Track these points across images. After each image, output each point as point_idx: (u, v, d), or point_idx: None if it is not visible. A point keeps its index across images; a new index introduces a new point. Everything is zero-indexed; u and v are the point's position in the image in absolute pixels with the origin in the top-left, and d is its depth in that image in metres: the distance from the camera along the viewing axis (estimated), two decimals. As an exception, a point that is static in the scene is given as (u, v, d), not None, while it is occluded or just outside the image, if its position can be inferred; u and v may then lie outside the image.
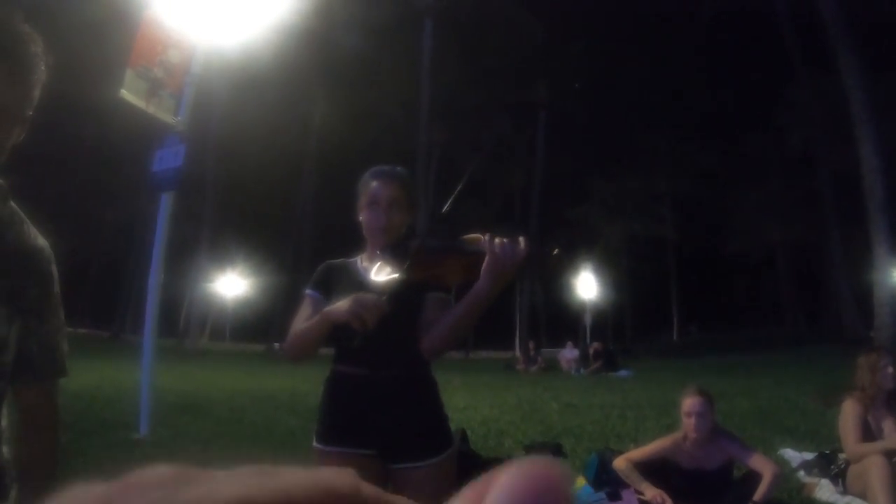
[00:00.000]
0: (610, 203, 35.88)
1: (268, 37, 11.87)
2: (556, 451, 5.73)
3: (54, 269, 1.37)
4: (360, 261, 2.23)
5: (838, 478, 4.53)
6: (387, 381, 2.03)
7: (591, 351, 19.79)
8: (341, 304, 1.86)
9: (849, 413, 4.35)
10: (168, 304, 11.21)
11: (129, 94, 5.97)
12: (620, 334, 40.63)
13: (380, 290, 1.92)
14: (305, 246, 33.20)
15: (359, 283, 2.10)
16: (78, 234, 29.87)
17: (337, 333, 1.99)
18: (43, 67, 1.25)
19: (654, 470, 4.24)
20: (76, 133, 28.67)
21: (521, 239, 1.76)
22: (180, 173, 6.31)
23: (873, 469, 4.01)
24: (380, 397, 2.02)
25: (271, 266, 37.32)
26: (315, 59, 28.33)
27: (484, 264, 1.76)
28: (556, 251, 1.77)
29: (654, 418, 7.86)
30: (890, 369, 4.31)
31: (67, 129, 27.36)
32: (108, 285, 36.53)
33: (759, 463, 4.05)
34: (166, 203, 6.49)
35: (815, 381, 10.70)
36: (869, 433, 4.27)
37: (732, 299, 45.58)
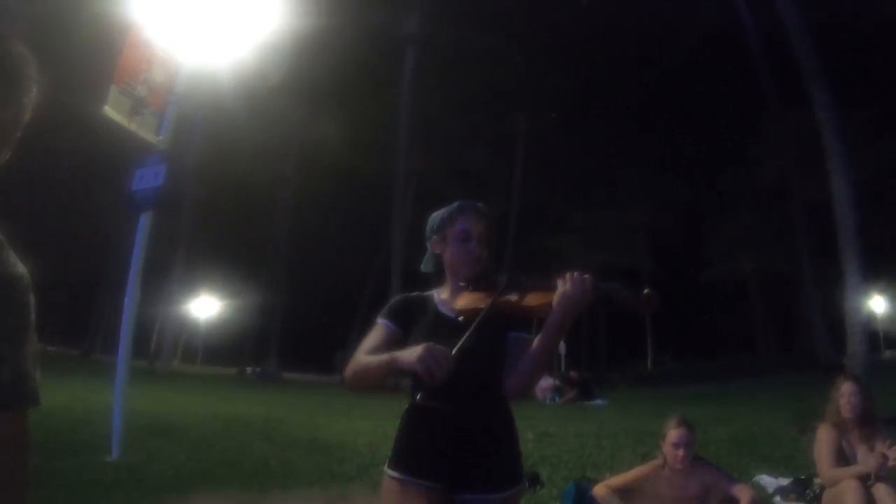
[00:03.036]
0: (585, 233, 36.13)
1: (251, 58, 11.88)
2: (534, 479, 5.71)
3: (31, 297, 1.34)
4: (438, 294, 2.22)
5: (814, 503, 4.56)
6: (463, 416, 2.02)
7: (571, 375, 19.76)
8: (412, 353, 1.83)
9: (823, 439, 4.39)
10: (140, 325, 11.02)
11: (113, 111, 5.95)
12: (595, 362, 40.67)
13: (462, 317, 1.99)
14: (281, 269, 32.97)
15: (437, 316, 2.13)
16: (51, 249, 29.44)
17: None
18: (35, 89, 1.24)
19: (634, 497, 4.25)
20: (53, 149, 28.35)
21: (587, 276, 1.85)
22: (161, 193, 6.27)
23: (848, 493, 4.04)
24: (455, 430, 2.02)
25: (246, 288, 37.00)
26: (297, 82, 28.35)
27: (553, 299, 1.85)
28: (646, 291, 1.80)
29: (631, 447, 7.87)
30: (847, 398, 4.38)
31: (44, 144, 27.08)
32: (79, 303, 35.97)
33: (737, 490, 4.08)
34: (144, 223, 6.44)
35: (789, 408, 10.80)
36: (843, 459, 4.31)
37: (706, 328, 45.86)
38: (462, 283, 2.08)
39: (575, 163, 36.18)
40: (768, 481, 5.55)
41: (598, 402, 17.06)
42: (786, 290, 34.96)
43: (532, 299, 1.95)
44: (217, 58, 7.90)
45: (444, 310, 2.14)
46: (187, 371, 30.21)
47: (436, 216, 2.25)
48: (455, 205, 2.24)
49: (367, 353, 2.05)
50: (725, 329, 44.50)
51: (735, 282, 37.62)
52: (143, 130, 6.22)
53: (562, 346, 32.42)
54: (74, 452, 6.01)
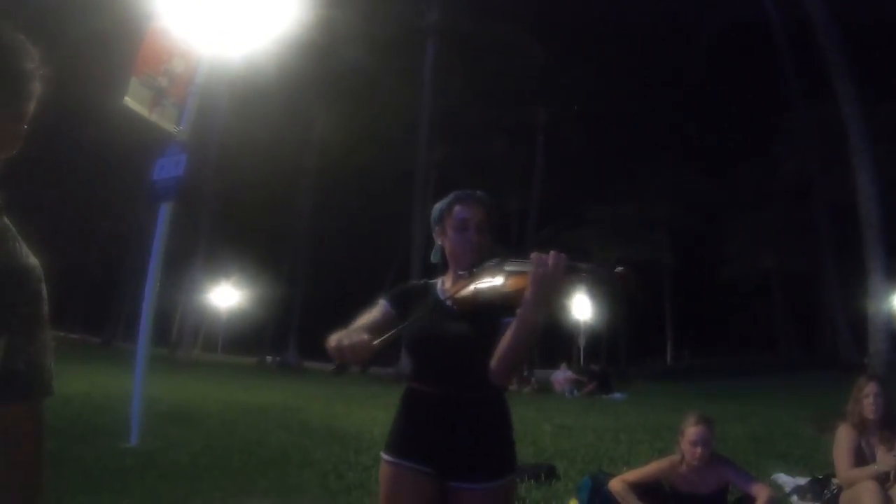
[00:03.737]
0: (606, 227, 35.96)
1: (271, 50, 11.92)
2: (550, 472, 5.70)
3: (44, 288, 1.34)
4: (442, 283, 2.26)
5: (831, 503, 4.51)
6: (460, 402, 2.05)
7: (591, 368, 19.74)
8: (336, 335, 1.86)
9: (842, 439, 4.34)
10: (161, 314, 11.13)
11: (133, 101, 6.00)
12: (614, 357, 40.55)
13: (452, 303, 2.01)
14: (301, 259, 33.14)
15: (438, 304, 2.14)
16: (73, 239, 29.81)
17: (411, 352, 2.10)
18: (37, 82, 1.23)
19: (649, 493, 4.23)
20: (75, 140, 28.66)
21: (560, 255, 1.81)
22: (181, 183, 6.31)
23: (866, 494, 3.99)
24: (447, 416, 2.05)
25: (266, 279, 37.25)
26: (317, 73, 28.43)
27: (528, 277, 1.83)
28: (619, 269, 1.76)
29: (648, 442, 7.83)
30: (872, 398, 4.32)
31: (66, 135, 27.38)
32: (101, 292, 36.40)
33: (754, 488, 4.05)
34: (165, 212, 6.49)
35: (809, 406, 10.69)
36: (862, 459, 4.26)
37: (727, 325, 45.58)
38: (461, 272, 2.09)
39: (596, 156, 35.99)
40: (786, 480, 5.50)
41: (617, 396, 17.02)
42: (808, 288, 34.65)
43: (511, 284, 1.92)
44: (237, 49, 7.93)
45: (443, 298, 2.15)
46: (207, 360, 30.51)
47: (437, 206, 2.27)
48: (453, 194, 2.25)
49: (352, 325, 2.05)
50: (746, 326, 44.17)
51: (756, 279, 37.27)
52: (164, 121, 6.27)
53: (581, 339, 32.39)
54: (94, 438, 6.09)
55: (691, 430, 4.10)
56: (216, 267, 35.71)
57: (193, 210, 27.06)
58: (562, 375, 20.05)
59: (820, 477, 4.95)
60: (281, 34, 8.97)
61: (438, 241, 2.24)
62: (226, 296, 39.24)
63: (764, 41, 28.83)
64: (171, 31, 6.37)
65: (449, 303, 2.09)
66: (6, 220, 1.31)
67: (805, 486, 5.06)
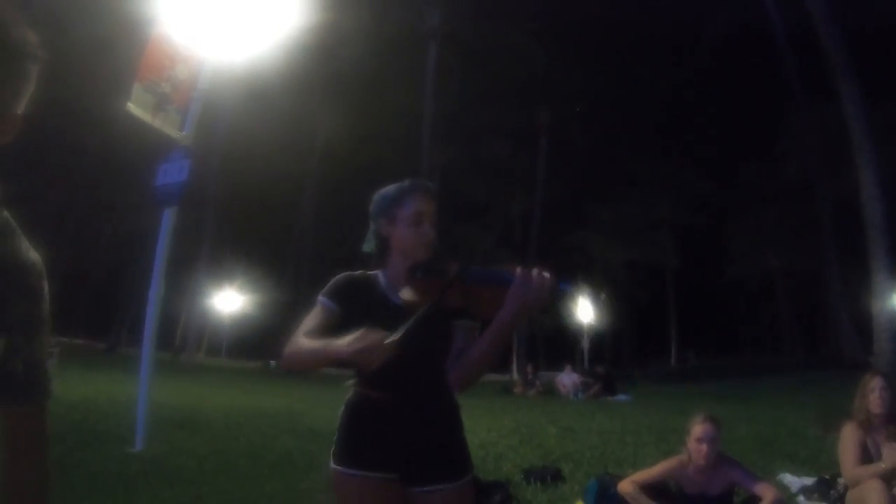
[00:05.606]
0: (609, 229, 35.95)
1: (274, 54, 11.93)
2: (556, 475, 5.69)
3: (45, 285, 1.29)
4: (384, 276, 2.13)
5: (837, 503, 4.50)
6: (411, 406, 1.99)
7: (597, 370, 19.73)
8: (345, 340, 1.75)
9: (848, 438, 4.32)
10: (165, 319, 11.13)
11: (136, 107, 6.01)
12: (618, 359, 40.50)
13: (409, 309, 1.86)
14: (305, 263, 33.17)
15: (383, 299, 2.05)
16: (77, 244, 29.88)
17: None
18: (33, 61, 1.18)
19: (658, 494, 4.23)
20: (79, 144, 28.78)
21: (546, 275, 1.76)
22: (184, 188, 6.32)
23: (872, 494, 3.98)
24: (403, 421, 1.98)
25: (270, 283, 37.25)
26: (320, 77, 28.49)
27: (507, 297, 1.77)
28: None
29: (654, 444, 7.81)
30: (878, 392, 4.30)
31: (70, 139, 27.48)
32: (105, 297, 36.43)
33: (760, 488, 4.05)
34: (168, 217, 6.50)
35: (814, 406, 10.65)
36: (868, 458, 4.24)
37: (731, 325, 45.52)
38: (413, 270, 1.95)
39: (598, 157, 36.02)
40: (792, 480, 5.49)
41: (622, 397, 16.99)
42: (812, 287, 34.59)
43: (483, 296, 1.84)
44: (240, 53, 7.94)
45: (390, 294, 2.06)
46: (212, 364, 30.51)
47: (383, 196, 2.14)
48: (405, 183, 2.13)
49: (305, 333, 1.96)
50: (750, 326, 44.11)
51: (760, 279, 37.26)
52: (167, 126, 6.28)
53: (585, 342, 32.35)
54: (98, 443, 6.09)
55: (698, 428, 4.11)
56: (220, 271, 35.77)
57: (197, 215, 27.16)
58: (567, 378, 20.01)
59: (826, 477, 4.94)
60: (284, 38, 8.98)
61: (382, 233, 2.12)
62: (230, 300, 39.23)
63: (766, 41, 28.81)
64: (174, 36, 6.39)
65: (399, 300, 2.00)
66: (6, 214, 1.26)
67: (811, 486, 5.05)
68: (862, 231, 16.46)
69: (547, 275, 1.77)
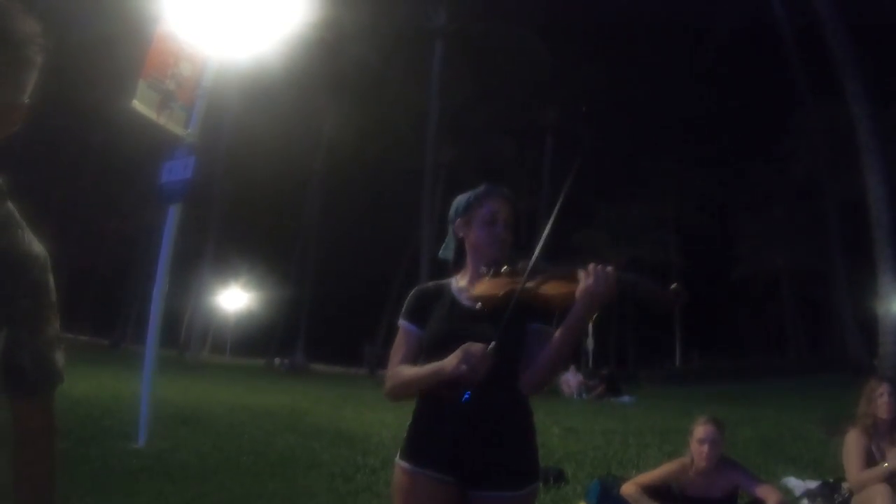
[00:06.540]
0: (615, 228, 35.87)
1: (278, 51, 11.93)
2: (558, 476, 5.68)
3: (50, 277, 1.29)
4: (456, 281, 2.16)
5: (842, 507, 4.48)
6: (484, 409, 1.94)
7: (602, 374, 19.73)
8: (450, 361, 1.83)
9: (852, 442, 4.30)
10: (170, 316, 11.15)
11: (141, 104, 6.02)
12: (623, 360, 40.41)
13: (480, 304, 1.95)
14: (310, 261, 33.19)
15: (451, 304, 2.08)
16: (82, 242, 29.95)
17: (432, 354, 1.99)
18: (37, 51, 1.18)
19: (660, 496, 4.22)
20: (84, 142, 28.85)
21: (610, 269, 1.82)
22: (189, 185, 6.32)
23: (877, 499, 3.96)
24: (475, 423, 1.95)
25: (274, 280, 37.31)
26: (325, 73, 28.49)
27: (577, 290, 1.81)
28: (674, 285, 1.78)
29: (657, 445, 7.80)
30: (887, 397, 4.28)
31: (75, 137, 27.56)
32: (110, 294, 36.53)
33: (763, 491, 4.04)
34: (173, 214, 6.51)
35: (819, 409, 10.62)
36: (872, 462, 4.22)
37: (736, 326, 45.31)
38: (483, 269, 2.02)
39: (604, 156, 35.94)
40: (795, 484, 5.46)
41: (625, 399, 16.97)
42: (817, 288, 34.45)
43: (553, 289, 1.88)
44: (245, 51, 7.94)
45: (460, 298, 2.08)
46: (216, 362, 30.60)
47: (461, 199, 2.21)
48: (482, 188, 2.20)
49: (401, 362, 2.05)
50: (755, 328, 43.93)
51: (766, 280, 37.07)
52: (172, 124, 6.28)
53: (590, 343, 32.29)
54: (102, 440, 6.10)
55: (699, 430, 4.11)
56: (225, 268, 35.84)
57: (202, 212, 27.19)
58: (571, 378, 19.99)
59: (831, 480, 4.91)
60: (289, 35, 8.98)
61: (458, 234, 2.17)
62: (234, 298, 39.32)
63: (773, 40, 28.68)
64: (179, 34, 6.39)
65: (469, 302, 2.03)
66: (10, 205, 1.26)
67: (815, 490, 5.02)
68: (868, 232, 16.38)
69: (610, 269, 1.82)
